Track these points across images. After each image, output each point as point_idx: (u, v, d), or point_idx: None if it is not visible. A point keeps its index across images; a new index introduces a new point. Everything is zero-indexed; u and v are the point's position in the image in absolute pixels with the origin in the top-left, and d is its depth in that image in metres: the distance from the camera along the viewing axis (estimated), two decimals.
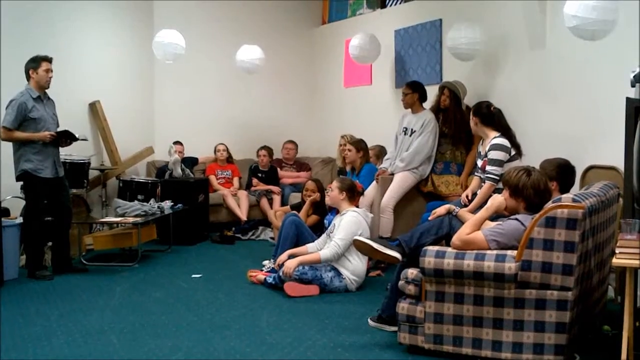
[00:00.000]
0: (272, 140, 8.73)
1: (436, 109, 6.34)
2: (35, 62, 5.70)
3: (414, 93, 6.31)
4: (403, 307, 3.78)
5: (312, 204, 6.32)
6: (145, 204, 6.85)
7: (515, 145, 5.13)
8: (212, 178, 8.31)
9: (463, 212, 4.13)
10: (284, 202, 8.03)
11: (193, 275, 5.93)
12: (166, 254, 6.97)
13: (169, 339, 4.12)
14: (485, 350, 3.53)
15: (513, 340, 3.47)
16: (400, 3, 7.90)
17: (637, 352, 3.47)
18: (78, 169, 6.79)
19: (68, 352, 3.91)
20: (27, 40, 6.55)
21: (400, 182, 6.18)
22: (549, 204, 3.45)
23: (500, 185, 4.45)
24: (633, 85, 4.03)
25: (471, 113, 5.31)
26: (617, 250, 3.37)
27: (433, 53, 7.09)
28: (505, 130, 5.16)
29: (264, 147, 8.48)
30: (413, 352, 3.79)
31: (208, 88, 8.87)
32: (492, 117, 5.17)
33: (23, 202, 6.12)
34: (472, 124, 5.29)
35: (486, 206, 3.87)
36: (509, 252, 3.49)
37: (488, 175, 5.02)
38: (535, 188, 3.70)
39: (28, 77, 5.73)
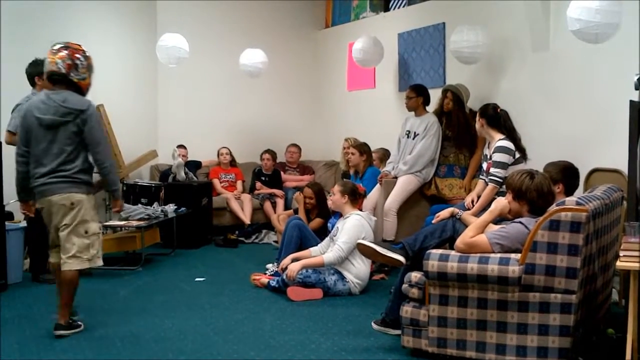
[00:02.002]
0: (275, 143, 8.74)
1: (439, 112, 6.34)
2: (38, 68, 5.69)
3: (418, 97, 6.30)
4: (407, 310, 3.78)
5: (310, 209, 6.28)
6: (148, 207, 6.87)
7: (520, 148, 5.13)
8: (216, 181, 8.32)
9: (467, 215, 4.12)
10: (287, 206, 8.03)
11: (196, 279, 5.93)
12: (170, 257, 6.97)
13: (173, 343, 4.13)
14: (489, 353, 3.53)
15: (517, 344, 3.46)
16: (403, 6, 7.90)
17: None
18: None
19: (72, 356, 3.92)
20: (29, 43, 6.55)
21: (404, 185, 6.18)
22: (553, 207, 3.44)
23: (504, 188, 4.46)
24: (637, 88, 4.02)
25: (477, 114, 5.31)
26: (621, 253, 3.37)
27: (436, 56, 7.09)
28: (510, 133, 5.16)
29: (268, 151, 8.48)
30: (417, 356, 3.79)
31: (211, 91, 8.88)
32: (499, 119, 5.18)
33: None
34: (477, 125, 5.30)
35: (490, 209, 3.87)
36: (512, 256, 3.49)
37: (491, 177, 5.02)
38: (538, 191, 3.70)
39: (33, 83, 5.74)
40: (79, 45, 4.37)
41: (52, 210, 4.28)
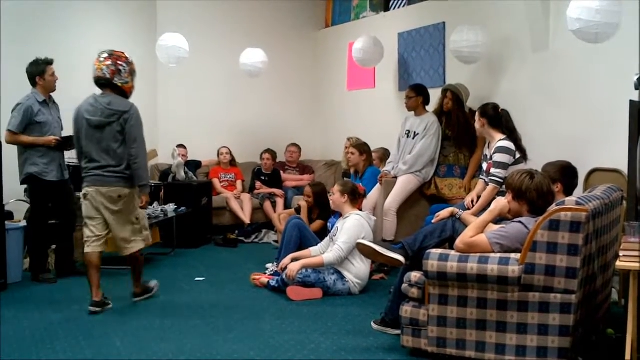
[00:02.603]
0: (275, 143, 8.74)
1: (439, 112, 6.34)
2: (39, 68, 5.71)
3: (417, 96, 6.30)
4: (406, 310, 3.78)
5: (311, 208, 6.28)
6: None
7: (520, 148, 5.13)
8: (216, 181, 8.32)
9: (466, 215, 4.12)
10: (287, 205, 8.04)
11: (196, 279, 5.93)
12: (169, 257, 6.97)
13: (173, 342, 4.13)
14: (489, 353, 3.53)
15: (517, 344, 3.46)
16: (403, 6, 7.90)
17: None
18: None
19: (71, 355, 3.92)
20: (29, 42, 6.55)
21: (404, 185, 6.18)
22: (553, 207, 3.44)
23: (504, 188, 4.46)
24: (637, 88, 4.02)
25: (478, 114, 5.30)
26: (620, 253, 3.38)
27: (436, 56, 7.09)
28: (511, 133, 5.16)
29: (268, 150, 8.49)
30: (416, 355, 3.79)
31: (211, 91, 8.88)
32: (500, 119, 5.18)
33: (27, 206, 6.13)
34: (478, 125, 5.29)
35: (490, 209, 3.87)
36: (512, 255, 3.49)
37: (492, 177, 5.02)
38: (538, 191, 3.70)
39: (33, 83, 5.74)
40: (123, 53, 4.91)
41: (99, 198, 4.81)
